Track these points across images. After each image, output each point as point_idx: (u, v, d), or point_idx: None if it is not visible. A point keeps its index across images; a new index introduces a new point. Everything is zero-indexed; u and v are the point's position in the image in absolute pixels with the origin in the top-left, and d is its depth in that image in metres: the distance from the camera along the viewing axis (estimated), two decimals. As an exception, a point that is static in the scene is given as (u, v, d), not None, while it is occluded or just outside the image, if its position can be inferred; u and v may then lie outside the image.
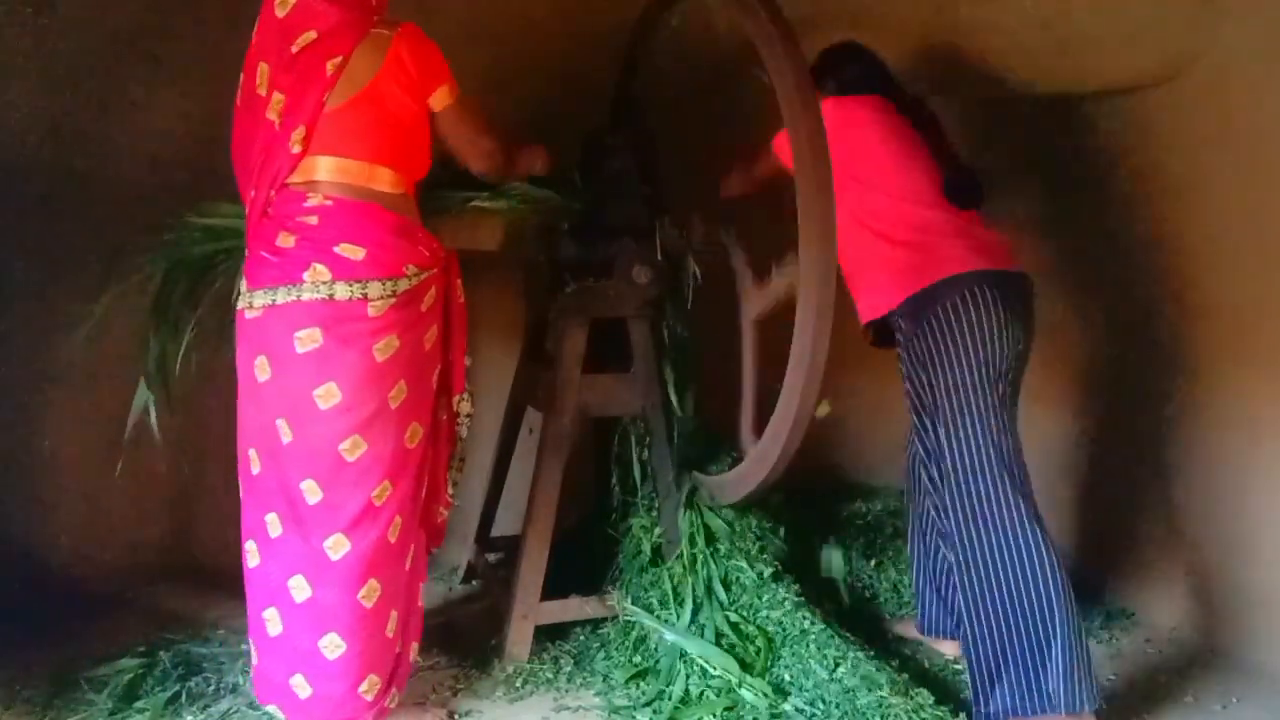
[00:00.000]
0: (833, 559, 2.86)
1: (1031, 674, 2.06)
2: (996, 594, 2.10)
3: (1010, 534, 2.10)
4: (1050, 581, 2.07)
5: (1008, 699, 2.07)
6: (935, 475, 2.33)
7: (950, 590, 2.44)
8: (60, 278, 2.61)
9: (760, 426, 2.27)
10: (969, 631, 2.14)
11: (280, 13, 1.94)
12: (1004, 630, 2.09)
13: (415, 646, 2.14)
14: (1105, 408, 3.04)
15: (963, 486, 2.16)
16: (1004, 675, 2.09)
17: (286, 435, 1.92)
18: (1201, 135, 2.58)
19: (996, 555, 2.11)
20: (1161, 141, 2.70)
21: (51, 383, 2.65)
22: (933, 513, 2.44)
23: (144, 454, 2.27)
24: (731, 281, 2.57)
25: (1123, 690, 2.41)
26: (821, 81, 2.41)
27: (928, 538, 2.51)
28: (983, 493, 2.14)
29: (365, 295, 1.89)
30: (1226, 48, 2.42)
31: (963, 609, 2.16)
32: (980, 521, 2.13)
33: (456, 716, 2.21)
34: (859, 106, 2.40)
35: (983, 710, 2.11)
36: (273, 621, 1.96)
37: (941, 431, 2.22)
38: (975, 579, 2.13)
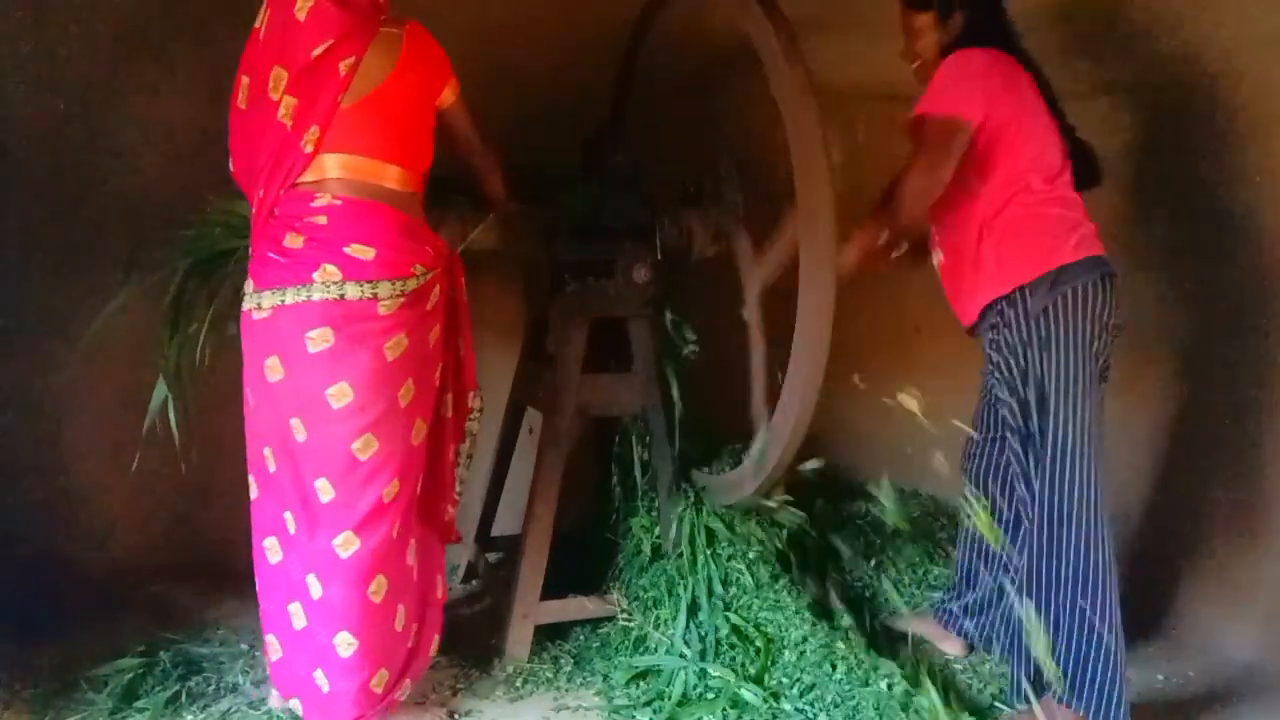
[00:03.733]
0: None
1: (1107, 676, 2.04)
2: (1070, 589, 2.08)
3: (1091, 536, 2.08)
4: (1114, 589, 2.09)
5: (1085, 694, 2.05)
6: (1028, 463, 2.19)
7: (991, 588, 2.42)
8: (68, 275, 2.61)
9: (773, 398, 2.18)
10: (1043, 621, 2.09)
11: (300, 16, 1.93)
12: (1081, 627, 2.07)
13: (436, 640, 2.15)
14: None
15: (1063, 477, 2.09)
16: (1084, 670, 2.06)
17: (301, 434, 1.93)
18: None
19: (1075, 554, 2.09)
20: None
21: (55, 383, 2.65)
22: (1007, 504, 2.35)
23: (145, 453, 2.27)
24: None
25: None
26: (970, 32, 2.26)
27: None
28: (1079, 489, 2.09)
29: (375, 295, 1.91)
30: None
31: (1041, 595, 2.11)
32: (1068, 518, 2.09)
33: (456, 716, 2.21)
34: (1010, 64, 2.22)
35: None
36: (297, 616, 1.98)
37: (1048, 417, 2.12)
38: (1055, 574, 2.10)
